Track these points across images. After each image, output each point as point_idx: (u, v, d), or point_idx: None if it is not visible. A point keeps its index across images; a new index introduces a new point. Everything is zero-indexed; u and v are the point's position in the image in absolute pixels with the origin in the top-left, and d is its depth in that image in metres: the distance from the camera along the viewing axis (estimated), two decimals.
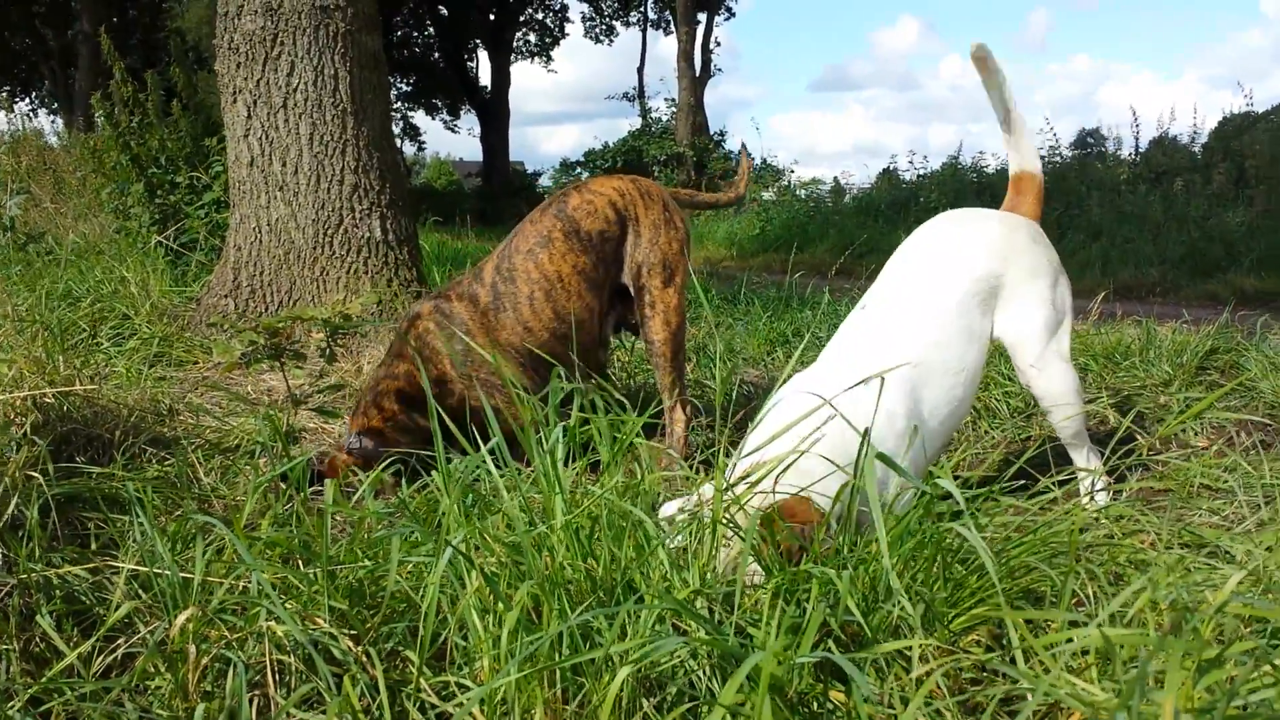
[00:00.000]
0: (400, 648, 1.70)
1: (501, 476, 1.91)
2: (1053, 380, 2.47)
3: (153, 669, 1.63)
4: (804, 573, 1.66)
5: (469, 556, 1.63)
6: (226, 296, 4.70)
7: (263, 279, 4.65)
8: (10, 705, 1.52)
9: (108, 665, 1.69)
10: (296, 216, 4.59)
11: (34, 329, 3.65)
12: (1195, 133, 14.58)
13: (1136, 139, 14.51)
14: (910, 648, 1.54)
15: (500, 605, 1.57)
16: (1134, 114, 14.41)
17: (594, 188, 3.13)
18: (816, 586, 1.61)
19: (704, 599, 1.66)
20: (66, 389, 2.83)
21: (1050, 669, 1.43)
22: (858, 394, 2.00)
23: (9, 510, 1.96)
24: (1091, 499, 2.54)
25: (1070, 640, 1.31)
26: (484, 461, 1.98)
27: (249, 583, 1.74)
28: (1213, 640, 1.52)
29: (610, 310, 3.18)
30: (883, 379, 1.98)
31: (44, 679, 1.59)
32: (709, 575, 1.71)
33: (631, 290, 3.13)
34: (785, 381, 2.21)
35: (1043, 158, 11.17)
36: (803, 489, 1.85)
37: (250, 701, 1.55)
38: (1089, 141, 17.60)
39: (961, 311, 2.35)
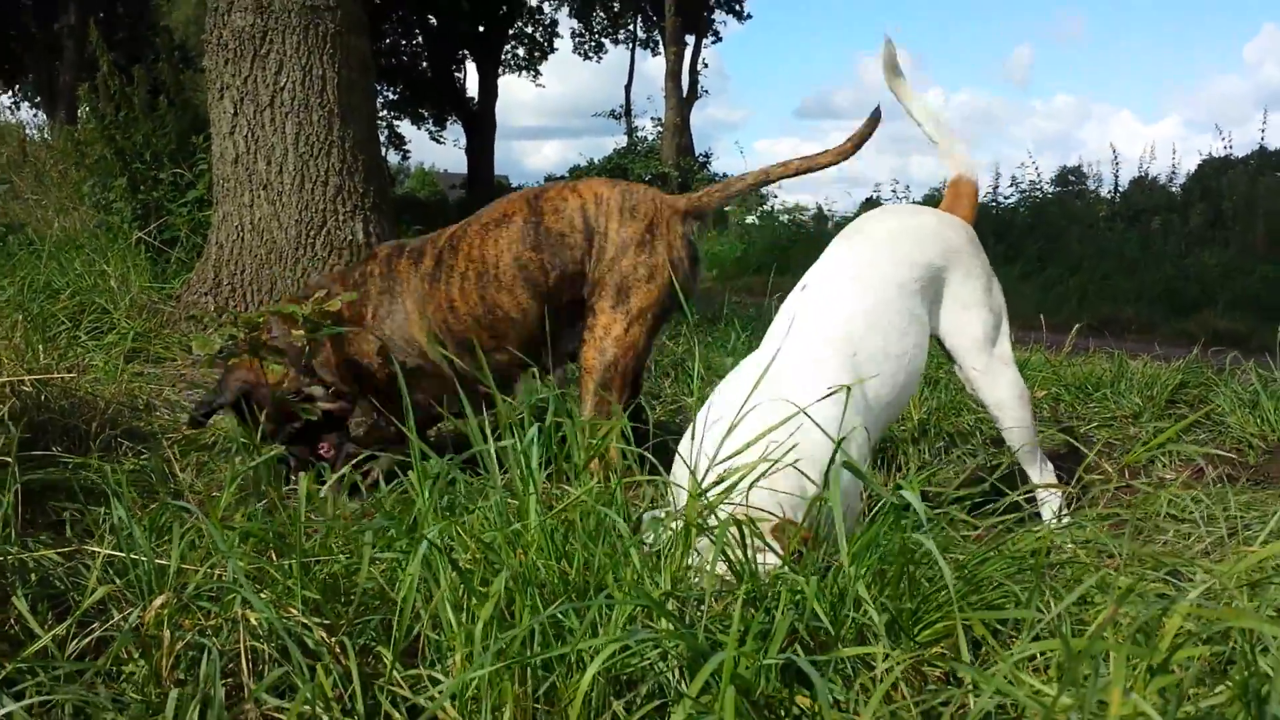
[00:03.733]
0: (373, 643, 1.71)
1: (473, 483, 1.93)
2: (999, 385, 2.52)
3: (126, 654, 1.64)
4: (773, 579, 1.69)
5: (444, 549, 1.65)
6: (207, 294, 4.70)
7: (243, 277, 4.65)
8: None
9: (82, 649, 1.70)
10: (280, 216, 4.60)
11: (13, 319, 3.65)
12: (1173, 173, 14.78)
13: (1116, 177, 14.68)
14: (874, 654, 1.57)
15: (474, 601, 1.59)
16: (1114, 152, 14.52)
17: (577, 187, 2.89)
18: (785, 594, 1.64)
19: (675, 601, 1.68)
20: (44, 377, 2.83)
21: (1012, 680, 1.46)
22: (815, 394, 2.01)
23: None
24: (1058, 519, 2.58)
25: (1034, 642, 1.34)
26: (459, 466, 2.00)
27: (224, 571, 1.75)
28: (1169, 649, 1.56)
29: (570, 325, 2.90)
30: (848, 390, 1.99)
31: (17, 660, 1.59)
32: (680, 578, 1.73)
33: None
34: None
35: (1024, 192, 11.26)
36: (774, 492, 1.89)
37: (223, 689, 1.55)
38: (1070, 179, 17.78)
39: (904, 296, 2.34)
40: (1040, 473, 2.66)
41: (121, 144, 6.08)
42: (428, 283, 2.86)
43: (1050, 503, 2.63)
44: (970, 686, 1.52)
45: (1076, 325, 4.96)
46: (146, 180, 6.06)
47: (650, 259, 2.76)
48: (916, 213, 2.59)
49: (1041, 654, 1.77)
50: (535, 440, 1.93)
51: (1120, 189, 14.78)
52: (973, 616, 1.50)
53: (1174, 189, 14.55)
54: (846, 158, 2.86)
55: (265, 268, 4.63)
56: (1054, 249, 12.26)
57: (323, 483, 2.57)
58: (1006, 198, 15.01)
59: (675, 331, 5.46)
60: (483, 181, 32.33)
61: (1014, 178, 15.12)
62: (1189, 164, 18.73)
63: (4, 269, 5.03)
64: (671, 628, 1.50)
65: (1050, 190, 15.51)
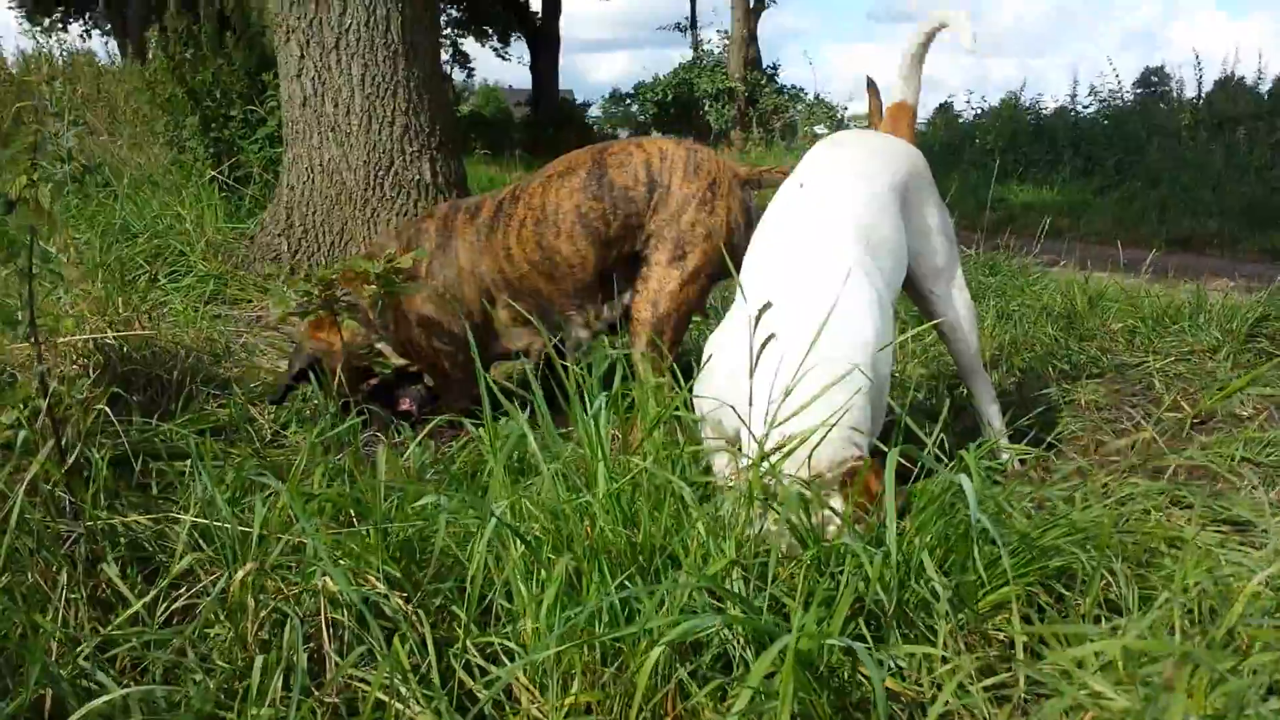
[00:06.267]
0: (448, 603, 1.77)
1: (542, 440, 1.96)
2: (955, 307, 2.66)
3: (212, 618, 1.71)
4: (839, 546, 1.70)
5: (513, 527, 1.69)
6: (280, 235, 4.77)
7: (315, 219, 4.71)
8: (79, 651, 1.60)
9: (169, 613, 1.78)
10: (348, 157, 4.64)
11: (94, 268, 3.74)
12: (1260, 76, 14.18)
13: (1199, 83, 14.09)
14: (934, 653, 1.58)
15: (543, 572, 1.63)
16: (1197, 57, 13.88)
17: (642, 143, 2.92)
18: (850, 562, 1.66)
19: (740, 569, 1.70)
20: (126, 335, 2.92)
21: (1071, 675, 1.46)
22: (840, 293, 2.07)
23: (74, 457, 2.04)
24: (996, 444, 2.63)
25: (1094, 640, 1.35)
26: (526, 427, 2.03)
27: (305, 540, 1.81)
28: (1239, 628, 1.56)
29: (624, 278, 2.93)
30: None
31: (110, 627, 1.67)
32: (745, 546, 1.75)
33: None
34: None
35: (1104, 101, 10.89)
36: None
37: (305, 654, 1.62)
38: (1153, 80, 17.12)
39: (892, 197, 2.44)
40: (984, 389, 2.78)
41: (192, 83, 6.14)
42: (484, 234, 2.90)
43: (994, 422, 2.76)
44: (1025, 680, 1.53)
45: (1153, 252, 4.84)
46: (218, 118, 6.13)
47: (710, 218, 2.78)
48: (886, 135, 2.75)
49: (1108, 618, 1.78)
50: (604, 407, 1.95)
51: (1204, 95, 14.21)
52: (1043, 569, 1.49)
53: (1261, 91, 13.96)
54: None
55: (336, 208, 4.68)
56: (1133, 161, 11.91)
57: (399, 441, 2.64)
58: (1085, 106, 14.57)
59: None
60: (548, 98, 32.06)
61: (1093, 87, 14.62)
62: (1277, 67, 17.92)
63: (83, 212, 5.15)
64: (737, 607, 1.53)
65: (1132, 92, 14.99)
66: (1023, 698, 1.53)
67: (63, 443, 2.01)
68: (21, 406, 1.96)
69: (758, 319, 1.87)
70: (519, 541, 1.68)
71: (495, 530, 1.70)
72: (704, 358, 2.16)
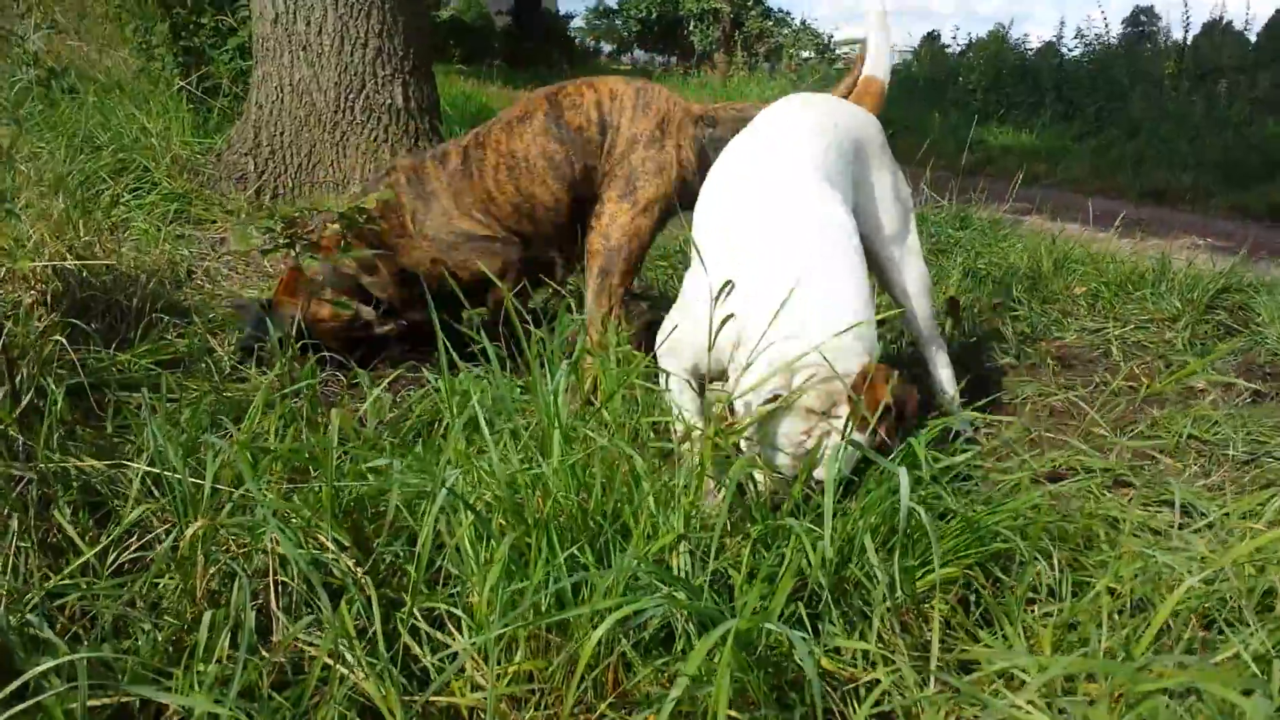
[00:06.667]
0: (399, 562, 1.79)
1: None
2: (908, 276, 2.67)
3: (163, 568, 1.72)
4: (785, 525, 1.73)
5: (464, 498, 1.70)
6: (247, 155, 4.70)
7: (283, 139, 4.64)
8: (28, 601, 1.61)
9: (120, 562, 1.78)
10: (319, 78, 4.56)
11: (55, 181, 3.67)
12: (1248, 24, 14.13)
13: (1186, 31, 14.01)
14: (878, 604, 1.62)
15: (493, 544, 1.65)
16: (1185, 3, 13.78)
17: (594, 83, 2.98)
18: (794, 540, 1.68)
19: (686, 543, 1.73)
20: (87, 262, 2.88)
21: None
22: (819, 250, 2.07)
23: (28, 397, 2.03)
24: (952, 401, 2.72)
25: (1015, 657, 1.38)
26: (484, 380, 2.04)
27: (256, 497, 1.82)
28: (1166, 627, 1.61)
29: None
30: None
31: (60, 576, 1.68)
32: (694, 519, 1.77)
33: None
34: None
35: (1090, 47, 10.81)
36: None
37: (253, 610, 1.63)
38: (1142, 20, 17.00)
39: (843, 154, 2.42)
40: (938, 355, 2.79)
41: None
42: (459, 178, 2.96)
43: (947, 389, 2.77)
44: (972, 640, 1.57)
45: (1123, 214, 4.86)
46: (188, 25, 5.99)
47: (659, 155, 2.86)
48: (840, 100, 2.73)
49: (1043, 597, 1.83)
50: (564, 378, 1.96)
51: (1190, 41, 14.13)
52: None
53: (1250, 35, 13.93)
54: None
55: (305, 130, 4.61)
56: (1115, 109, 11.87)
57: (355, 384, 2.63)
58: (1070, 50, 14.48)
59: None
60: (530, 7, 31.45)
61: (1079, 29, 14.53)
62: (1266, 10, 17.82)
63: (48, 119, 5.03)
64: (680, 589, 1.56)
65: (1120, 31, 14.90)
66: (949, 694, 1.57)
67: (16, 383, 2.00)
68: None
69: (721, 289, 1.88)
70: (469, 511, 1.70)
71: (447, 499, 1.71)
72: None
